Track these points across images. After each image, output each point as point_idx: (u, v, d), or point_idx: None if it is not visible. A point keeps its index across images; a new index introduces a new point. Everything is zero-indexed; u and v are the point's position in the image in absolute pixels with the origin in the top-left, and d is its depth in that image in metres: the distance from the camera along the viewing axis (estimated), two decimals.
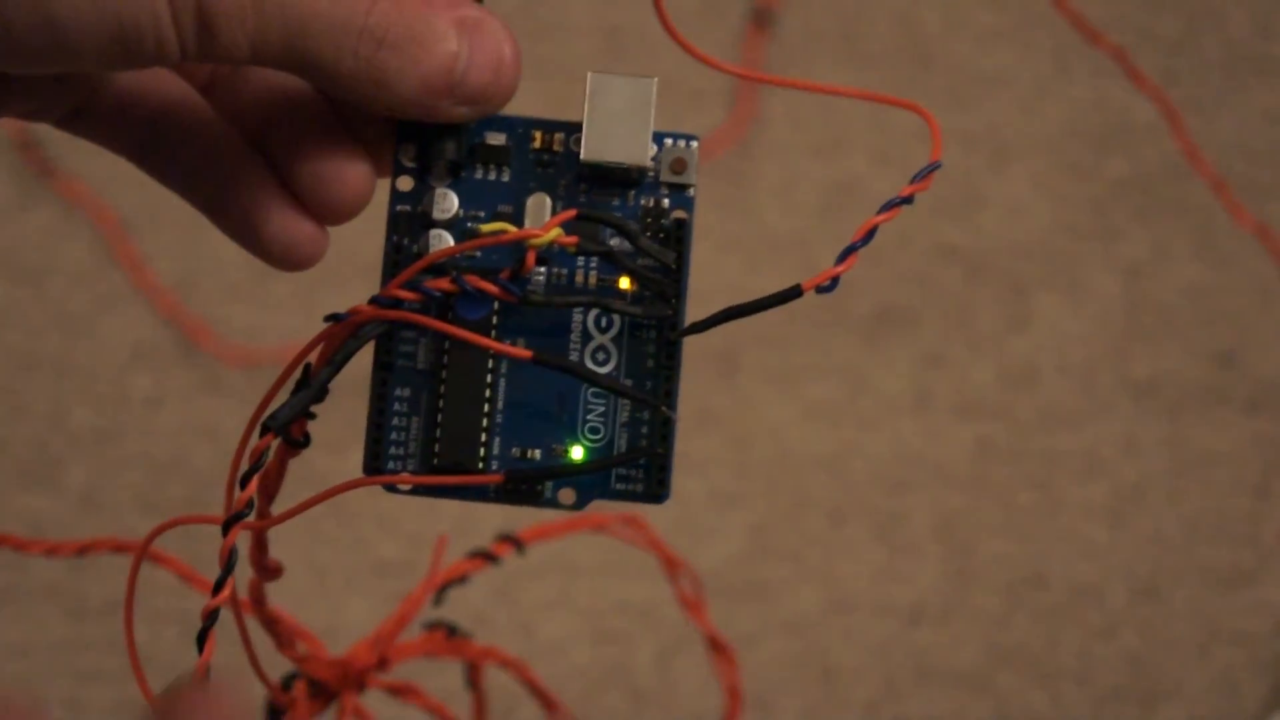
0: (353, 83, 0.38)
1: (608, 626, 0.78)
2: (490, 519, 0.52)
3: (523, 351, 0.38)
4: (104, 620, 0.78)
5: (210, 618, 0.37)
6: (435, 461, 0.40)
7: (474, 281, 0.38)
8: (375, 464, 0.40)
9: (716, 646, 0.53)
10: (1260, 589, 0.79)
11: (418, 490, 0.40)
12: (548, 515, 0.59)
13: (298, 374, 0.39)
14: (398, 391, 0.40)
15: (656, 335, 0.40)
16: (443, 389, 0.40)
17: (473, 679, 0.52)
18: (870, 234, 0.38)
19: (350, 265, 0.85)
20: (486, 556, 0.49)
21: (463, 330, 0.38)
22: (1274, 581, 0.79)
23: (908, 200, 0.39)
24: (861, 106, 0.86)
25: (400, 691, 0.48)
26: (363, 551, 0.79)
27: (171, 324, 0.82)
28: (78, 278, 0.83)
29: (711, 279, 0.81)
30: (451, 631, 0.49)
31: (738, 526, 0.79)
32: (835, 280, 0.38)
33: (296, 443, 0.39)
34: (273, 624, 0.44)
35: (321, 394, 0.38)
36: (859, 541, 0.79)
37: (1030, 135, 0.85)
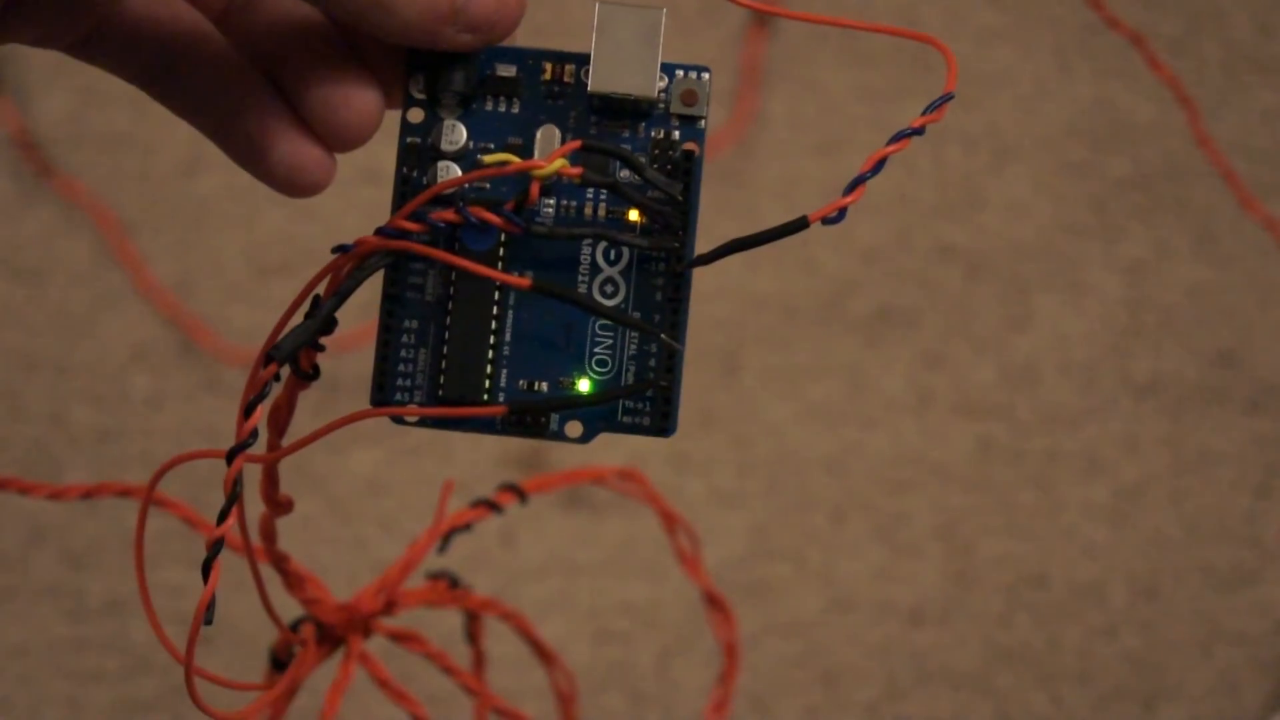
0: (357, 5, 0.38)
1: (608, 627, 0.78)
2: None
3: (521, 280, 0.38)
4: (104, 620, 0.78)
5: (214, 548, 0.37)
6: (440, 394, 0.40)
7: (477, 212, 0.38)
8: (382, 396, 0.40)
9: (713, 603, 0.53)
10: (1261, 589, 0.79)
11: (424, 422, 0.40)
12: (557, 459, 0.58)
13: (306, 306, 0.39)
14: (406, 323, 0.40)
15: (665, 268, 0.40)
16: (449, 321, 0.40)
17: (472, 632, 0.52)
18: (879, 165, 0.38)
19: None
20: (490, 505, 0.50)
21: (461, 259, 0.38)
22: (1275, 581, 0.79)
23: (918, 132, 0.39)
24: (862, 106, 0.86)
25: (403, 638, 0.48)
26: (363, 551, 0.79)
27: (171, 324, 0.82)
28: (78, 278, 0.83)
29: (711, 278, 0.81)
30: (454, 582, 0.49)
31: (738, 526, 0.79)
32: (843, 212, 0.38)
33: (305, 374, 0.39)
34: (282, 563, 0.44)
35: (329, 324, 0.38)
36: (859, 541, 0.79)
37: (1031, 135, 0.85)
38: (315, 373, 0.39)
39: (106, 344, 0.82)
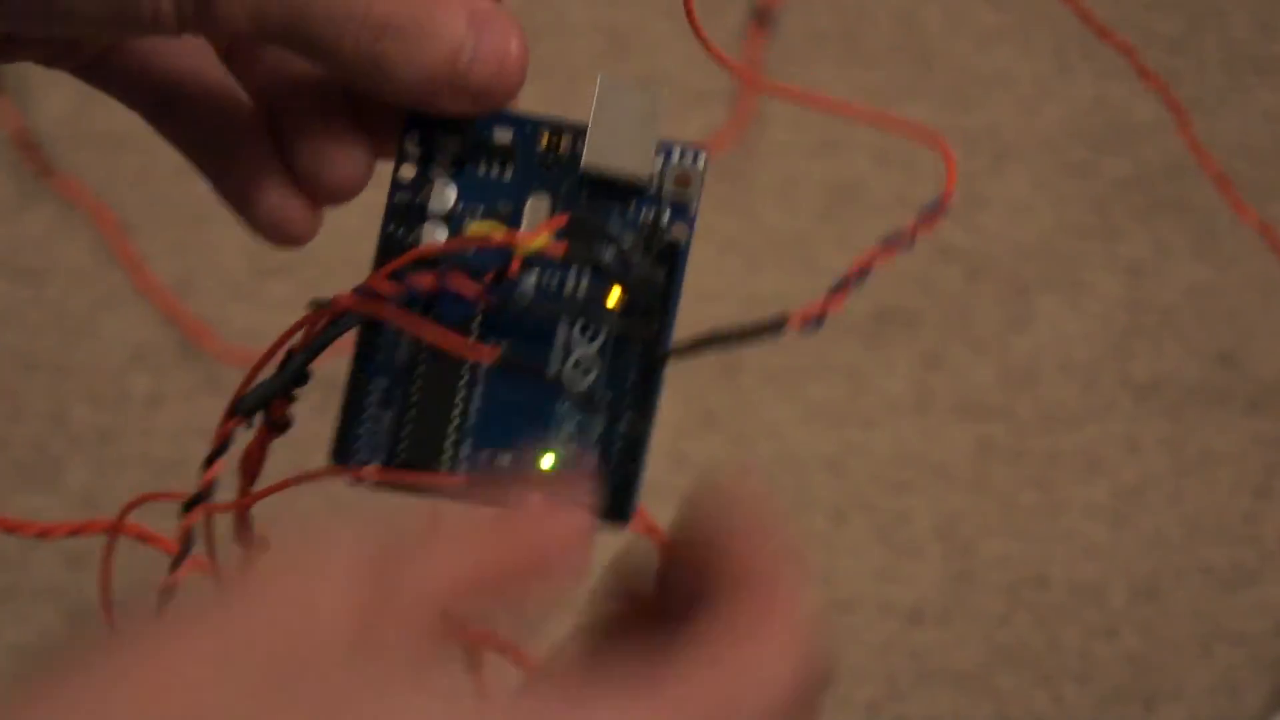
0: (354, 66, 0.38)
1: None
2: None
3: (486, 354, 0.38)
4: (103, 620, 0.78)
5: (163, 597, 0.37)
6: (400, 457, 0.39)
7: (455, 282, 0.38)
8: (342, 455, 0.40)
9: None
10: (1262, 589, 0.79)
11: (381, 485, 0.39)
12: None
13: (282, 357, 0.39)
14: (374, 383, 0.40)
15: (641, 352, 0.40)
16: (415, 385, 0.40)
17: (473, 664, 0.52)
18: (865, 272, 0.38)
19: (351, 265, 0.85)
20: None
21: (430, 329, 0.38)
22: (1276, 581, 0.79)
23: (910, 241, 0.38)
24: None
25: None
26: None
27: (171, 324, 0.82)
28: (78, 278, 0.83)
29: (712, 279, 0.81)
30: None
31: None
32: (824, 316, 0.38)
33: (277, 424, 0.39)
34: None
35: (299, 378, 0.38)
36: (860, 541, 0.79)
37: (1031, 135, 0.85)
38: (288, 423, 0.39)
39: (106, 344, 0.82)
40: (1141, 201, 0.84)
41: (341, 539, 0.32)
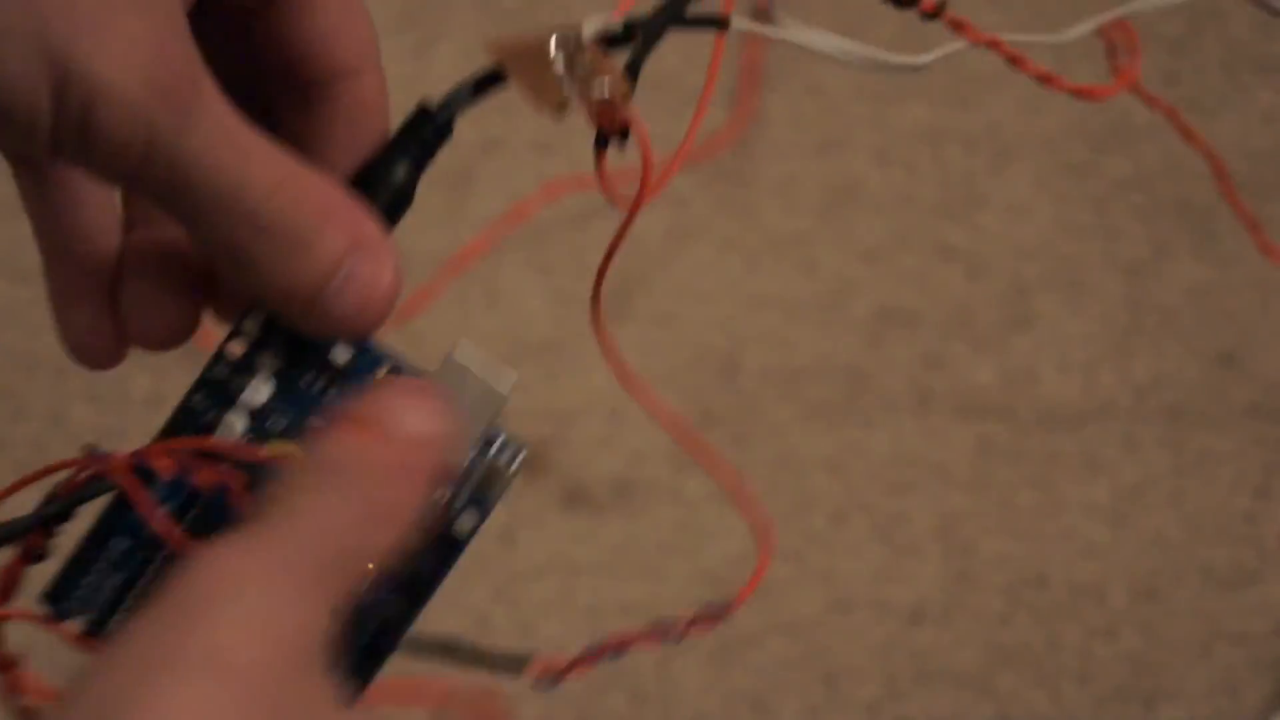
0: (217, 251, 0.36)
1: (608, 627, 0.78)
2: None
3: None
4: None
5: None
6: (109, 629, 0.37)
7: (232, 496, 0.35)
8: (56, 599, 0.38)
9: None
10: (1262, 589, 0.79)
11: (79, 647, 0.37)
12: None
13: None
14: (115, 541, 0.38)
15: (376, 630, 0.38)
16: (154, 561, 0.38)
17: None
18: (622, 651, 0.36)
19: None
20: None
21: (163, 528, 0.36)
22: (1276, 581, 0.79)
23: (679, 639, 0.36)
24: (862, 106, 0.86)
25: None
26: None
27: None
28: None
29: (712, 280, 0.81)
30: None
31: (738, 526, 0.79)
32: (562, 678, 0.36)
33: (32, 555, 0.37)
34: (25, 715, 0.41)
35: (58, 517, 0.36)
36: (859, 541, 0.79)
37: (1031, 135, 0.85)
38: (44, 554, 0.37)
39: None
40: (1141, 201, 0.84)
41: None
